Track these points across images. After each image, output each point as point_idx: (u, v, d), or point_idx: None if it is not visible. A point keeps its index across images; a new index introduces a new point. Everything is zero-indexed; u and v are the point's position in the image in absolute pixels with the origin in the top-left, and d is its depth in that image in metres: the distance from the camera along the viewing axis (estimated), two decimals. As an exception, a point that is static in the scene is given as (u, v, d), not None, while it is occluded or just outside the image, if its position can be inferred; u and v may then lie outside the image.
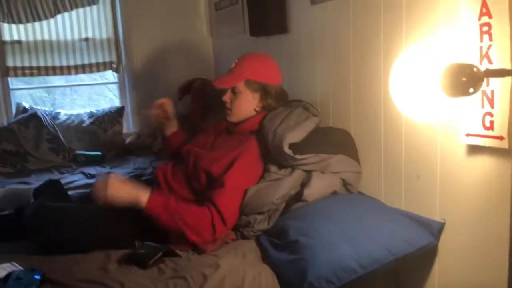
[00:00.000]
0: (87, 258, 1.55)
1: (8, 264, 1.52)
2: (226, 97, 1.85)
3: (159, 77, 3.45)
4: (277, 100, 1.84)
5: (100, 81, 3.71)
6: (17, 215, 1.87)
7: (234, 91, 1.83)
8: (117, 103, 3.60)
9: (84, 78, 3.56)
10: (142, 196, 1.59)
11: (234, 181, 1.67)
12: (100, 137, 3.22)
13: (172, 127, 2.14)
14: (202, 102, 3.24)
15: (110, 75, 3.57)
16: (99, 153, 3.11)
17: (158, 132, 3.34)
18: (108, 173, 1.59)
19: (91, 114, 3.31)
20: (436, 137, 1.42)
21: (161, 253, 1.54)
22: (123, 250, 1.57)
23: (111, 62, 3.38)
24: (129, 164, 3.01)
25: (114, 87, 3.66)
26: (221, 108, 3.22)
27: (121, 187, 1.58)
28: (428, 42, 1.35)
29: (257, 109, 1.85)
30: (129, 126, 3.49)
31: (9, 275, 1.38)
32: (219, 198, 1.63)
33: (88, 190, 2.31)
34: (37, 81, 3.41)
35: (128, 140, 3.35)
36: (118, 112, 3.32)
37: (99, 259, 1.55)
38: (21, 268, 1.47)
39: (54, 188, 1.96)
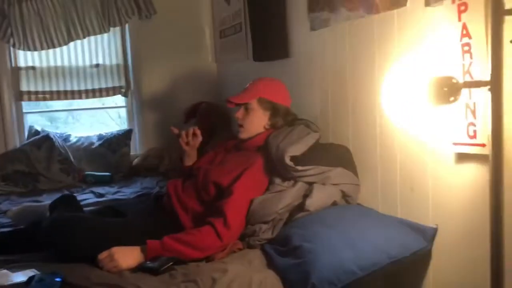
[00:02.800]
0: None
1: (29, 271, 1.62)
2: (239, 114, 1.99)
3: (166, 101, 3.61)
4: (285, 119, 2.00)
5: (108, 106, 3.86)
6: (33, 228, 1.98)
7: (246, 108, 1.98)
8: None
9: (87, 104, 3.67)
10: (142, 248, 1.67)
11: (242, 191, 1.79)
12: (108, 158, 3.34)
13: (193, 158, 2.15)
14: (208, 124, 3.38)
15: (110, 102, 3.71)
16: (108, 174, 3.23)
17: (165, 153, 3.48)
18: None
19: (100, 137, 3.44)
20: (426, 150, 1.54)
21: (171, 262, 1.64)
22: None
23: (120, 87, 3.55)
24: (136, 184, 3.12)
25: (115, 115, 3.77)
26: (227, 130, 3.38)
27: (124, 250, 1.65)
28: (416, 60, 1.50)
29: (266, 127, 1.99)
30: (136, 148, 3.62)
31: (31, 278, 1.48)
32: (227, 205, 1.75)
33: (99, 206, 2.42)
34: (40, 107, 3.54)
35: (135, 161, 3.47)
36: (126, 135, 3.45)
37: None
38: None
39: (69, 203, 2.07)
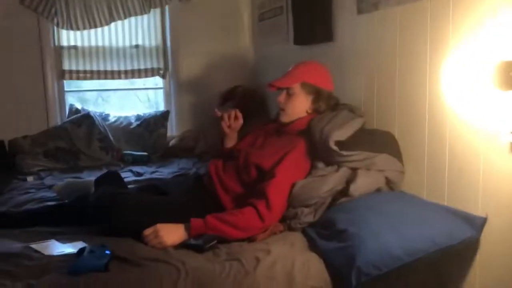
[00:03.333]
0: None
1: (78, 242, 1.68)
2: (281, 98, 1.98)
3: (202, 84, 3.63)
4: (327, 103, 1.98)
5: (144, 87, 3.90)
6: (78, 203, 2.03)
7: (289, 93, 1.97)
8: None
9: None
10: (185, 226, 1.69)
11: (284, 173, 1.80)
12: (145, 138, 3.40)
13: (233, 140, 2.16)
14: (244, 107, 3.38)
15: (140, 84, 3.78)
16: (145, 153, 3.29)
17: (200, 135, 3.51)
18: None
19: (138, 117, 3.50)
20: (479, 137, 1.50)
21: (216, 240, 1.66)
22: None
23: (159, 69, 3.58)
24: (173, 165, 3.16)
25: (144, 98, 3.81)
26: (262, 115, 3.38)
27: (169, 228, 1.67)
28: (473, 44, 1.45)
29: (309, 111, 1.98)
30: (172, 129, 3.66)
31: (82, 250, 1.53)
32: (270, 187, 1.76)
33: (141, 184, 2.47)
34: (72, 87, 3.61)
35: (171, 142, 3.52)
36: (163, 116, 3.49)
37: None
38: (89, 246, 1.62)
39: (113, 180, 2.12)
